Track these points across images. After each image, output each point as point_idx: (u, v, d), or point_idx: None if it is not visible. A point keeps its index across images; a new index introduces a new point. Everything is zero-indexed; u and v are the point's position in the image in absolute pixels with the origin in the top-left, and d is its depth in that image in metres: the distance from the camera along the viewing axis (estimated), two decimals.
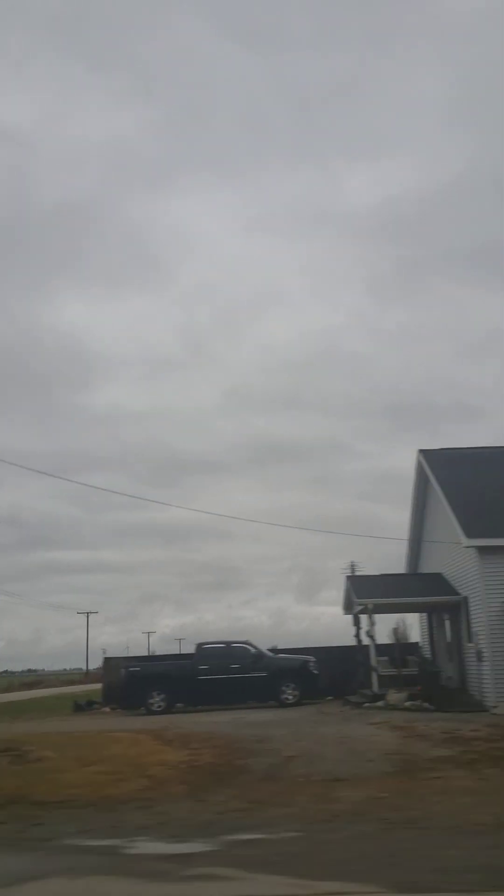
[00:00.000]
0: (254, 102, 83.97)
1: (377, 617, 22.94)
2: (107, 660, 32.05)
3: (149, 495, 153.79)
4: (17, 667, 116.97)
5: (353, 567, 37.50)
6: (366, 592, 22.60)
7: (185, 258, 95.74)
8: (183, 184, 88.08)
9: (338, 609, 26.00)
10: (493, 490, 21.25)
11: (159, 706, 22.10)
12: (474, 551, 19.25)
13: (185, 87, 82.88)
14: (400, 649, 23.99)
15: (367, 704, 20.31)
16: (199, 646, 23.88)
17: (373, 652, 21.91)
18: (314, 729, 15.04)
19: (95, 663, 69.90)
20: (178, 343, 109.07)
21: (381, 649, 23.58)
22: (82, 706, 27.42)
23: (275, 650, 26.25)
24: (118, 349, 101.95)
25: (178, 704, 22.67)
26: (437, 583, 21.98)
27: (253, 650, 23.06)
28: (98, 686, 35.01)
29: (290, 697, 22.53)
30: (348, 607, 24.92)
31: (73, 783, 10.17)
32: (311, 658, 24.05)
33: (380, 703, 19.99)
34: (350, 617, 24.99)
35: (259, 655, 22.98)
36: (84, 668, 78.77)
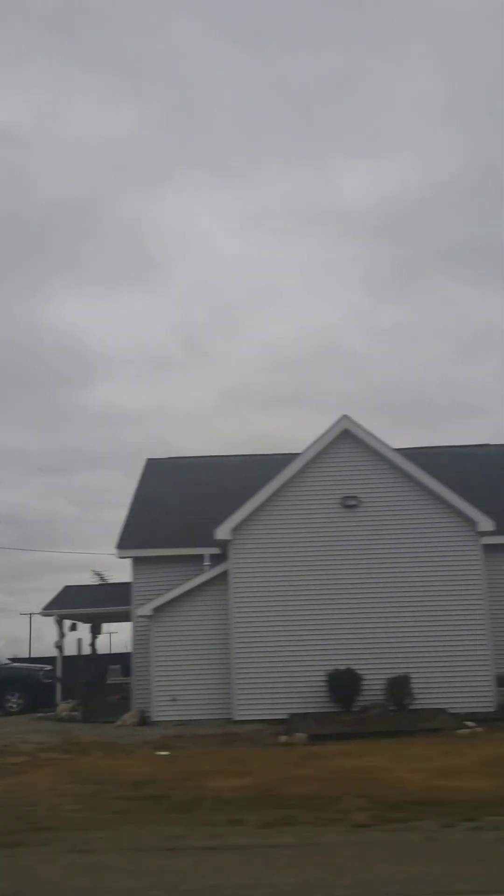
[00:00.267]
0: (251, 100, 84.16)
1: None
2: None
3: None
4: None
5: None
6: (67, 601, 22.69)
7: (182, 257, 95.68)
8: (180, 182, 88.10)
9: None
10: (184, 501, 21.44)
11: None
12: (130, 562, 19.42)
13: (181, 86, 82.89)
14: (98, 660, 24.08)
15: (41, 714, 20.40)
16: None
17: (59, 663, 22.00)
18: None
19: None
20: (177, 342, 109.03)
21: (116, 658, 23.72)
22: None
23: (14, 659, 26.28)
24: (116, 348, 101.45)
25: None
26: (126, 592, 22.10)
27: None
28: None
29: (14, 706, 22.57)
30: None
31: None
32: (46, 667, 24.10)
33: (52, 713, 20.12)
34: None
35: None
36: None
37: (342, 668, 16.15)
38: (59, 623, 22.66)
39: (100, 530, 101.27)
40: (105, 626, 25.58)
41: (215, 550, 18.10)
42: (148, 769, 10.94)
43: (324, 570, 17.03)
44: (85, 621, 23.60)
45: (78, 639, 22.76)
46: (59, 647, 22.31)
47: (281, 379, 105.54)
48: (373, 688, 16.16)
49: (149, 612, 17.17)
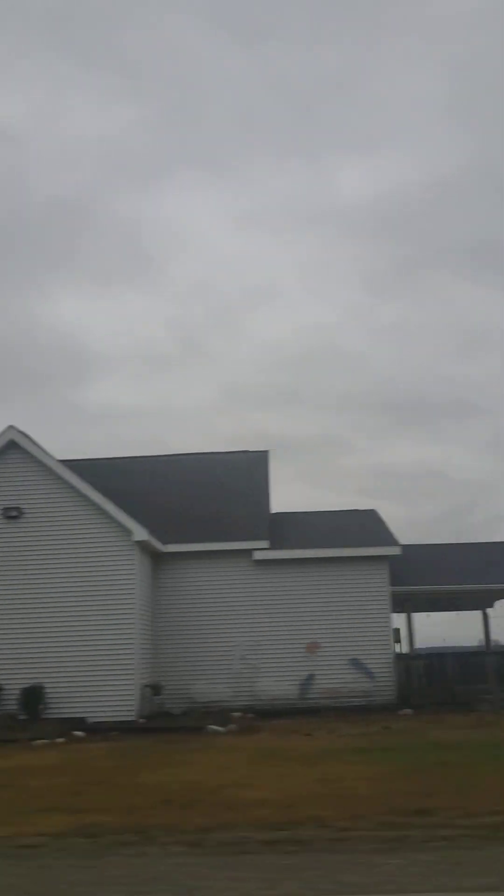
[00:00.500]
0: (248, 98, 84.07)
1: None
2: None
3: None
4: None
5: None
6: None
7: (179, 255, 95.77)
8: (176, 180, 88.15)
9: None
10: None
11: None
12: None
13: (180, 84, 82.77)
14: None
15: None
16: None
17: None
18: None
19: None
20: (174, 340, 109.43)
21: None
22: None
23: None
24: (114, 347, 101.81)
25: None
26: None
27: None
28: None
29: None
30: None
31: None
32: None
33: None
34: None
35: None
36: None
37: None
38: None
39: None
40: None
41: None
42: None
43: None
44: None
45: None
46: None
47: (280, 377, 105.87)
48: (8, 697, 16.34)
49: None
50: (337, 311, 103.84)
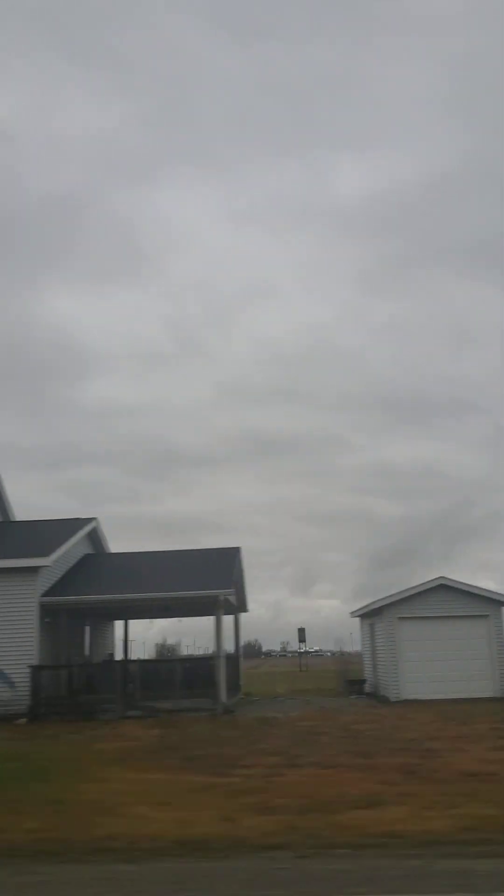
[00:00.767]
0: (245, 96, 78.17)
1: None
2: None
3: (142, 488, 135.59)
4: None
5: None
6: None
7: (174, 252, 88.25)
8: (171, 177, 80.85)
9: None
10: None
11: None
12: None
13: (172, 80, 75.47)
14: None
15: None
16: None
17: None
18: None
19: None
20: (170, 337, 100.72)
21: None
22: None
23: None
24: (111, 344, 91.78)
25: None
26: None
27: None
28: None
29: None
30: None
31: None
32: None
33: None
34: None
35: None
36: None
37: None
38: None
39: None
40: None
41: None
42: None
43: None
44: None
45: None
46: None
47: (276, 375, 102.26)
48: None
49: None
50: (334, 310, 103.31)
